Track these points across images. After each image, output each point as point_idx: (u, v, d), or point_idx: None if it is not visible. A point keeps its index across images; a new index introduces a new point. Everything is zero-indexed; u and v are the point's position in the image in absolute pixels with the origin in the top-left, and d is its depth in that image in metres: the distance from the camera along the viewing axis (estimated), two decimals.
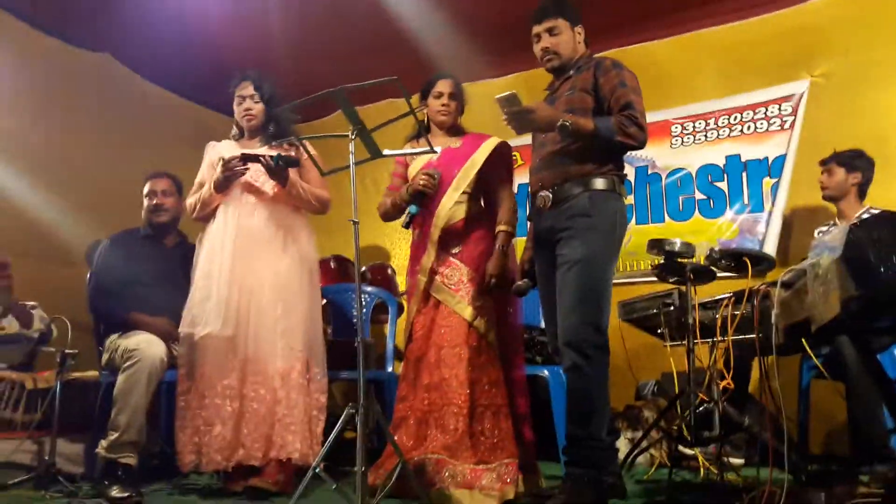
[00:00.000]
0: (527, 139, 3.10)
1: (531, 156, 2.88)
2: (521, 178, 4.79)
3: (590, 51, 2.82)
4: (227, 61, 4.76)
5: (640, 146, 2.58)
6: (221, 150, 3.23)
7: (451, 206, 2.95)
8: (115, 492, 2.75)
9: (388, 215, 3.13)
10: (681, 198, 4.41)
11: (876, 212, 3.27)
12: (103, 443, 2.93)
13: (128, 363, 2.99)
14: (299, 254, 3.13)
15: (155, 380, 3.01)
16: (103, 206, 4.09)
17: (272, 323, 2.97)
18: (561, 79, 2.79)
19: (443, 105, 3.07)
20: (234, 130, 3.31)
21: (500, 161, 3.09)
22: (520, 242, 3.10)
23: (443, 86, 3.09)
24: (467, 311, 2.88)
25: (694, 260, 2.96)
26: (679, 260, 2.90)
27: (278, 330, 2.97)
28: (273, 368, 2.92)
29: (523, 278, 2.90)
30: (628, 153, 2.70)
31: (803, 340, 2.59)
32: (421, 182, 2.88)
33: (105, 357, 3.26)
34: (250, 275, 3.00)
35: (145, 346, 3.03)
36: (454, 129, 3.14)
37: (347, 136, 2.46)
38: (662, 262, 2.94)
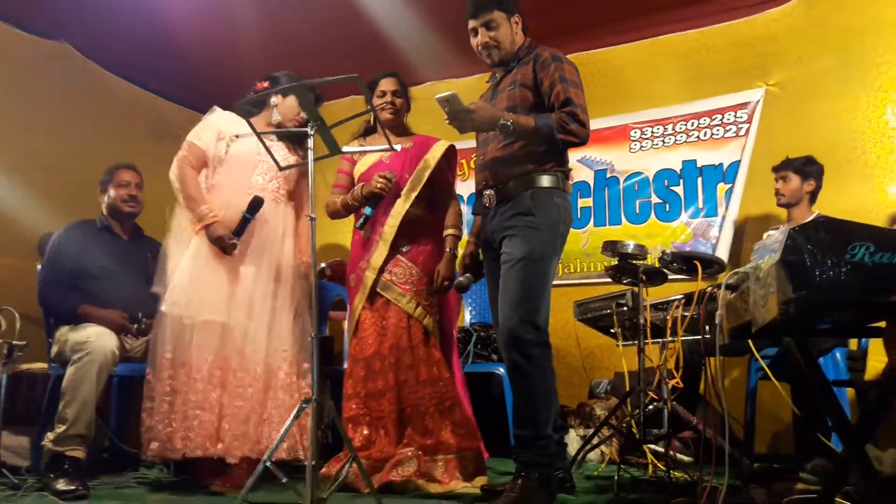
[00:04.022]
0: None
1: (475, 153, 2.88)
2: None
3: (529, 39, 2.75)
4: (189, 53, 4.71)
5: (582, 142, 2.53)
6: (228, 122, 3.18)
7: (405, 206, 2.99)
8: (61, 485, 2.72)
9: (338, 214, 3.18)
10: (638, 201, 4.47)
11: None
12: (50, 435, 2.87)
13: (77, 355, 2.93)
14: (294, 251, 3.13)
15: (105, 373, 2.96)
16: (56, 197, 4.00)
17: (262, 322, 2.98)
18: (503, 71, 2.75)
19: (387, 103, 3.10)
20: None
21: (448, 164, 3.15)
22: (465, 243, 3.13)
23: (386, 84, 3.14)
24: (415, 309, 2.97)
25: (647, 262, 3.03)
26: (632, 261, 2.96)
27: (268, 329, 2.98)
28: (260, 368, 2.93)
29: (465, 273, 2.91)
30: (588, 156, 2.73)
31: (750, 342, 2.67)
32: (378, 185, 2.93)
33: (54, 349, 3.20)
34: (246, 267, 3.00)
35: (96, 338, 2.98)
36: (401, 129, 3.18)
37: (306, 131, 2.46)
38: (616, 263, 3.00)
